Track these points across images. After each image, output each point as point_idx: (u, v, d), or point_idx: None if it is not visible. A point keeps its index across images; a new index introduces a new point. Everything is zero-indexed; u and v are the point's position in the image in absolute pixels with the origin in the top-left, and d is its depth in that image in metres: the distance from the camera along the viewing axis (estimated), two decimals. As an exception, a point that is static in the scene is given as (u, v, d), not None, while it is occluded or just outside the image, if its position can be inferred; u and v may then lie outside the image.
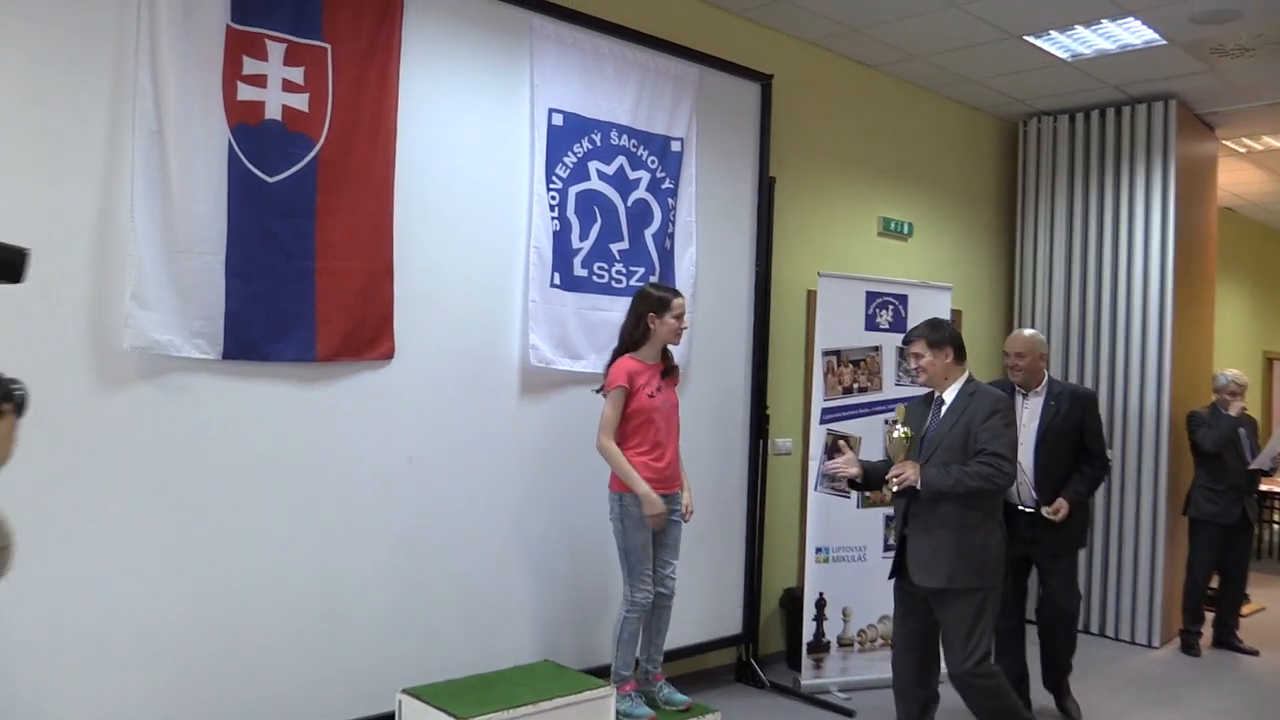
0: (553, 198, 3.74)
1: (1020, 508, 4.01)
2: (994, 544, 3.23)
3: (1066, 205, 5.92)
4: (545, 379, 3.76)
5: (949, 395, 3.32)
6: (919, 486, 3.18)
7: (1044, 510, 3.93)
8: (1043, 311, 5.96)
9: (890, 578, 3.42)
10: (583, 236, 3.84)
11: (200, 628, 2.97)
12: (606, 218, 3.91)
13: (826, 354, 4.54)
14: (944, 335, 3.33)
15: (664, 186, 4.11)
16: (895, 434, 3.33)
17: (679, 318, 3.55)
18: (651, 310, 3.52)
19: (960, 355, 3.35)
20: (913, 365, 3.43)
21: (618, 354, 3.54)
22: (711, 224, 4.36)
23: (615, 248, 3.95)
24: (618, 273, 3.94)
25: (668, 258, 4.14)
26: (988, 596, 3.21)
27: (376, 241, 3.26)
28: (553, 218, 3.74)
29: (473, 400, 3.56)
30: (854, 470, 3.39)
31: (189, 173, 2.85)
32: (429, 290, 3.42)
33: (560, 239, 3.76)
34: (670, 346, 3.63)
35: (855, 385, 4.59)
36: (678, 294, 3.60)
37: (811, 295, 4.81)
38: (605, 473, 3.56)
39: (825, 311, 4.54)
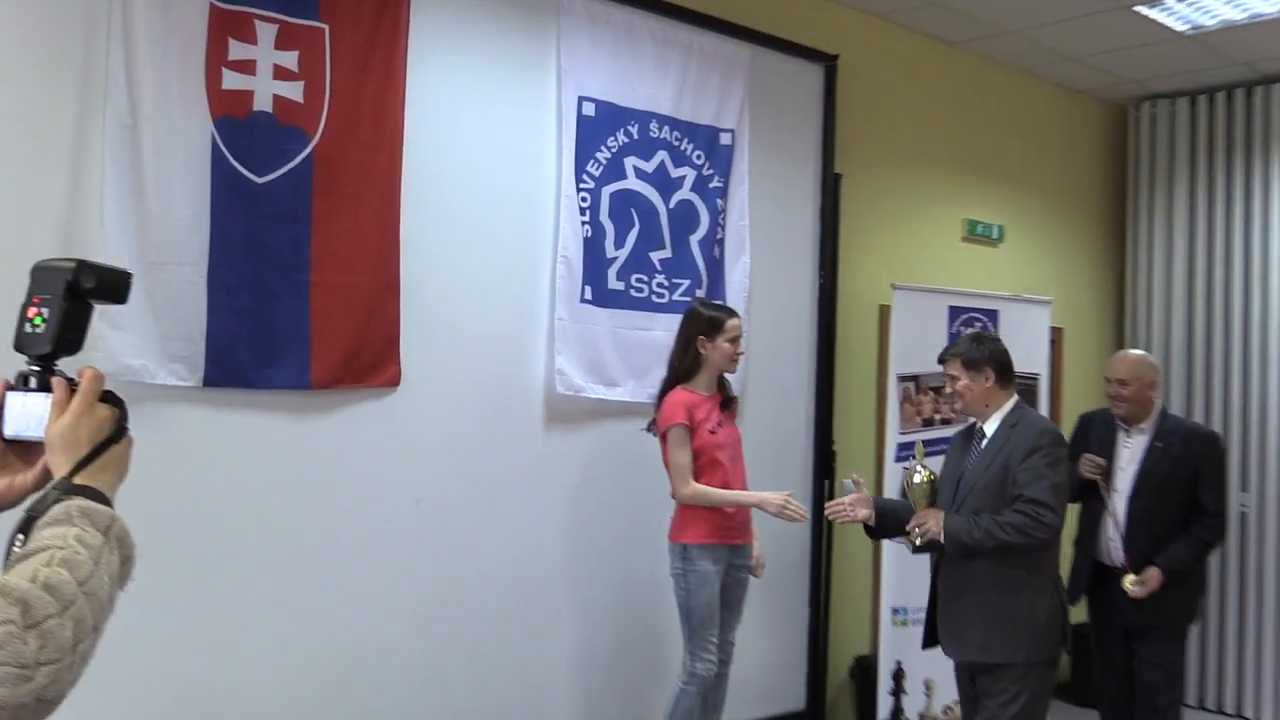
0: (583, 199, 3.74)
1: (1113, 567, 3.83)
2: (1043, 610, 3.09)
3: (1187, 204, 5.78)
4: (575, 409, 3.74)
5: (990, 427, 3.22)
6: (941, 539, 3.09)
7: (1127, 581, 3.71)
8: (1160, 330, 5.82)
9: (924, 647, 3.35)
10: (618, 244, 3.84)
11: (174, 701, 2.93)
12: (645, 222, 3.91)
13: (903, 379, 4.49)
14: (983, 353, 3.23)
15: (712, 185, 4.10)
16: (916, 477, 3.24)
17: (734, 341, 3.52)
18: (701, 333, 3.50)
19: (1005, 378, 3.24)
20: (948, 390, 3.36)
21: (668, 385, 3.53)
22: (768, 228, 4.34)
23: (656, 256, 3.94)
24: (659, 285, 3.94)
25: (717, 268, 4.12)
26: (1029, 674, 3.07)
27: (381, 251, 3.25)
28: (583, 222, 3.74)
29: (491, 434, 3.55)
30: (864, 513, 3.24)
31: (167, 172, 2.87)
32: (441, 307, 3.42)
33: (592, 247, 3.76)
34: (726, 374, 3.62)
35: (937, 416, 4.53)
36: (732, 313, 3.59)
37: (885, 311, 4.76)
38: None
39: (901, 330, 4.49)
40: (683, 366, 3.52)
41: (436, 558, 3.43)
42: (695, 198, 4.04)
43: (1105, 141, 6.12)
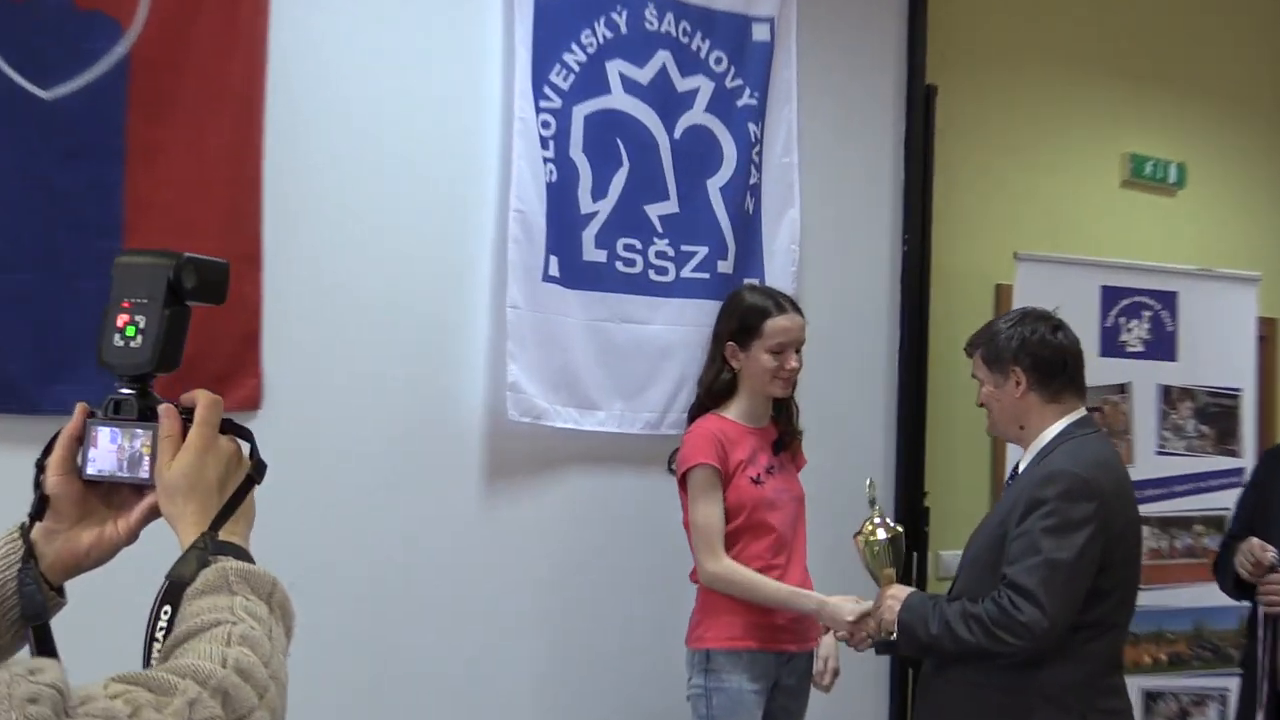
0: (544, 125, 3.74)
1: None
2: None
3: None
4: (532, 444, 3.76)
5: (1025, 461, 3.25)
6: (895, 630, 3.17)
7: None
8: None
9: None
10: (598, 193, 3.85)
11: None
12: (639, 158, 3.91)
13: (1033, 397, 4.47)
14: (1011, 344, 3.16)
15: (741, 104, 4.11)
16: (879, 534, 3.29)
17: (779, 351, 3.46)
18: (731, 337, 3.52)
19: (1049, 383, 3.16)
20: (978, 401, 3.38)
21: (695, 410, 3.61)
22: (826, 169, 4.36)
23: (655, 211, 3.94)
24: (659, 256, 3.94)
25: (750, 229, 4.14)
26: None
27: (234, 205, 3.28)
28: (546, 159, 3.74)
29: (402, 482, 3.56)
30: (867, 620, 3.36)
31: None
32: (326, 292, 3.44)
33: (559, 197, 3.75)
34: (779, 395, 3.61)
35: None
36: (782, 306, 3.53)
37: (1004, 293, 4.81)
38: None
39: (1030, 322, 4.47)
40: (707, 382, 3.57)
41: (319, 672, 3.28)
42: (715, 122, 4.04)
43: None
